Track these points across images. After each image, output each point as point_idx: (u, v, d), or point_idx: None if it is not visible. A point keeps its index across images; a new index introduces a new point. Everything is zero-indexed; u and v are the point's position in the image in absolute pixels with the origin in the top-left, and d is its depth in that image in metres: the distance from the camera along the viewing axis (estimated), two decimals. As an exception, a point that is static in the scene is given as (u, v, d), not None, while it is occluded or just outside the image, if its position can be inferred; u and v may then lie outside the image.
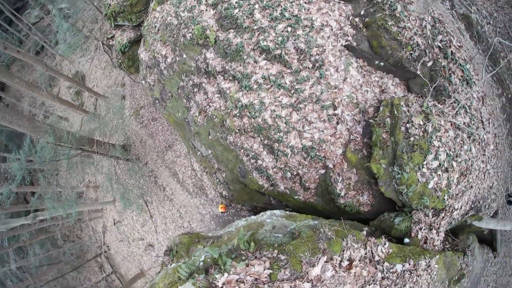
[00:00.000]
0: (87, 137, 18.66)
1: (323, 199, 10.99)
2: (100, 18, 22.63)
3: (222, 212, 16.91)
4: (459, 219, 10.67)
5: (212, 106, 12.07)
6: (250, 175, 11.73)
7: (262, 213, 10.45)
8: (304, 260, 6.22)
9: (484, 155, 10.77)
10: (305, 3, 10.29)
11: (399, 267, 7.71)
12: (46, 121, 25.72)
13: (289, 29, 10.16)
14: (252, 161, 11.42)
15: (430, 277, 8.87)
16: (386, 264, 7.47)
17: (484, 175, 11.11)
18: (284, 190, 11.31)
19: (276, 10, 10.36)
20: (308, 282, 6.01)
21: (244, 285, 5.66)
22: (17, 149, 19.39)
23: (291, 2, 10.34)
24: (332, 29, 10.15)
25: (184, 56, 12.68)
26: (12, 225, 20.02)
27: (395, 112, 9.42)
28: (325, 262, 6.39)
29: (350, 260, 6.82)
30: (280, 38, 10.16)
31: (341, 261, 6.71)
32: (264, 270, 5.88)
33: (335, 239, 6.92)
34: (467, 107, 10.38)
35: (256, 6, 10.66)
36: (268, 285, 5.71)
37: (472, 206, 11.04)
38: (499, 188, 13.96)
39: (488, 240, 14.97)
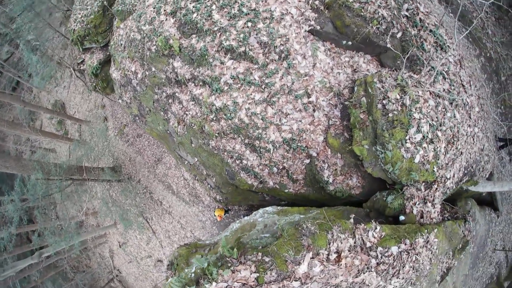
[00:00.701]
0: (75, 165, 18.49)
1: (314, 188, 10.85)
2: (68, 44, 22.37)
3: (219, 220, 16.68)
4: (454, 187, 10.46)
5: (189, 114, 11.91)
6: (238, 176, 11.58)
7: (255, 212, 10.29)
8: (289, 260, 6.08)
9: (469, 118, 10.51)
10: (261, -6, 10.08)
11: (394, 249, 7.51)
12: (33, 156, 25.52)
13: (249, 24, 9.96)
14: (237, 162, 11.28)
15: (431, 252, 8.71)
16: (379, 248, 7.29)
17: (473, 139, 10.86)
18: (274, 185, 11.16)
19: (234, 8, 10.16)
20: (296, 280, 5.87)
21: (234, 292, 5.53)
22: (10, 191, 19.27)
23: (247, -3, 10.14)
24: (293, 17, 9.94)
25: (153, 69, 12.52)
26: (20, 267, 19.95)
27: (369, 90, 9.22)
28: (311, 258, 6.23)
29: (338, 252, 6.66)
30: (241, 35, 9.97)
31: (328, 254, 6.55)
32: (250, 274, 5.75)
33: (319, 233, 6.75)
34: (444, 73, 10.16)
35: (213, 7, 10.46)
36: (257, 289, 5.58)
37: (466, 172, 10.82)
38: (491, 149, 13.82)
39: (488, 201, 14.83)
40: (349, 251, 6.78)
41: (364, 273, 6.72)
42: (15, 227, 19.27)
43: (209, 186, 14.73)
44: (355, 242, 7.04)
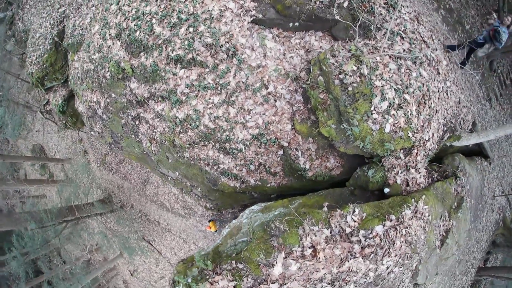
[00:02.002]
0: (65, 207, 18.33)
1: (294, 177, 10.71)
2: (31, 87, 22.15)
3: (214, 231, 16.49)
4: (436, 147, 10.24)
5: (157, 131, 11.75)
6: (220, 181, 11.43)
7: (242, 213, 10.16)
8: (262, 263, 5.92)
9: (438, 74, 10.23)
10: (197, -4, 9.85)
11: (379, 228, 7.26)
12: (25, 207, 25.29)
13: (191, 29, 9.75)
14: (215, 167, 11.12)
15: (423, 221, 8.49)
16: (362, 232, 7.05)
17: (447, 94, 10.58)
18: (255, 182, 11.01)
19: (173, 17, 9.94)
20: (274, 282, 5.73)
21: (215, 304, 5.40)
22: (10, 248, 19.15)
23: (184, 2, 9.91)
24: (232, 11, 9.73)
25: (113, 95, 12.35)
26: (38, 321, 19.88)
27: (324, 67, 8.94)
28: (284, 258, 6.05)
29: (313, 246, 6.45)
30: (186, 42, 9.77)
31: (302, 250, 6.35)
32: (228, 283, 5.64)
33: (289, 230, 6.55)
34: (402, 33, 9.82)
35: (153, 20, 10.25)
36: (237, 297, 5.45)
37: (445, 129, 10.58)
38: (469, 98, 13.65)
39: (477, 151, 14.52)
40: (326, 242, 6.55)
41: (348, 261, 6.51)
42: (24, 283, 19.16)
43: (197, 196, 14.59)
44: (331, 232, 6.80)
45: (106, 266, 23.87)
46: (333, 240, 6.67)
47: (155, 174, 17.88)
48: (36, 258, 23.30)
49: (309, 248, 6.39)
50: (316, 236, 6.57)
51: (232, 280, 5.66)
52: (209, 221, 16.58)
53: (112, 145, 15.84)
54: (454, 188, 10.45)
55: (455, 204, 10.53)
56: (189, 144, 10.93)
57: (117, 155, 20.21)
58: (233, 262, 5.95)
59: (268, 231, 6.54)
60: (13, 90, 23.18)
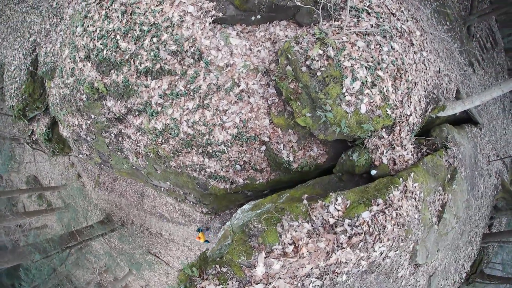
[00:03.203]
0: (66, 233, 18.31)
1: (281, 171, 10.67)
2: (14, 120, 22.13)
3: (205, 241, 16.54)
4: (420, 120, 10.02)
5: (141, 145, 11.75)
6: (210, 185, 11.41)
7: (234, 214, 10.12)
8: (243, 265, 5.87)
9: (412, 45, 10.04)
10: (156, 6, 9.76)
11: (365, 215, 7.06)
12: (28, 240, 25.28)
13: (155, 39, 9.68)
14: (202, 172, 11.09)
15: (415, 200, 8.30)
16: (347, 221, 6.88)
17: (425, 64, 10.36)
18: (244, 181, 10.99)
19: (135, 30, 9.87)
20: (258, 283, 5.67)
21: (204, 309, 5.37)
22: (20, 283, 19.20)
23: (144, 14, 9.84)
24: (192, 15, 9.64)
25: (92, 116, 12.34)
26: None
27: (289, 56, 8.83)
28: (265, 257, 5.97)
29: (295, 242, 6.35)
30: (152, 53, 9.70)
31: (283, 248, 6.26)
32: (215, 287, 5.57)
33: (267, 229, 6.42)
34: (367, 8, 9.57)
35: (118, 37, 10.18)
36: (223, 301, 5.41)
37: (428, 100, 10.38)
38: (449, 66, 13.50)
39: (465, 118, 14.27)
40: (308, 236, 6.41)
41: (335, 252, 6.39)
42: (39, 316, 19.24)
43: (191, 203, 14.58)
44: (313, 225, 6.66)
45: (117, 285, 23.85)
46: (316, 234, 6.52)
47: (149, 187, 17.88)
48: (47, 289, 23.38)
49: (290, 244, 6.27)
50: (296, 231, 6.43)
51: (219, 284, 5.62)
52: (198, 231, 16.59)
53: (102, 165, 15.83)
54: (446, 160, 10.20)
55: (449, 176, 10.30)
56: (173, 153, 10.91)
57: (109, 174, 20.18)
58: (217, 266, 5.90)
59: (246, 232, 6.45)
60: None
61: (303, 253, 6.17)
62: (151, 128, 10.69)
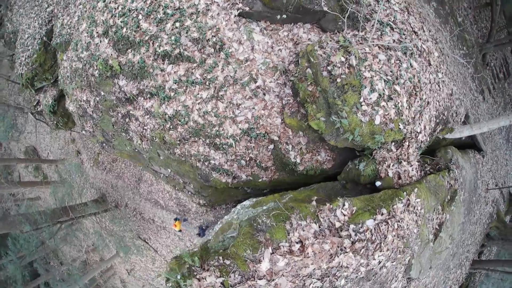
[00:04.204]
0: (59, 208, 18.20)
1: (286, 172, 10.64)
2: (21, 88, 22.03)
3: (178, 230, 16.95)
4: (428, 139, 10.14)
5: (147, 128, 11.66)
6: (212, 177, 11.36)
7: (234, 209, 10.09)
8: (248, 259, 5.83)
9: (430, 65, 10.13)
10: (183, -9, 9.73)
11: (370, 223, 7.16)
12: (20, 210, 25.15)
13: (177, 24, 9.65)
14: (206, 163, 11.05)
15: (416, 214, 8.40)
16: (352, 226, 6.95)
17: (439, 85, 10.49)
18: (247, 178, 10.94)
19: (159, 12, 9.83)
20: (261, 278, 5.64)
21: (203, 299, 5.33)
22: (7, 251, 19.07)
23: (170, -3, 9.80)
24: (219, 5, 9.62)
25: (102, 93, 12.24)
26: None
27: (312, 59, 8.86)
28: (271, 253, 5.95)
29: (301, 241, 6.35)
30: (173, 38, 9.67)
31: (290, 246, 6.25)
32: (216, 279, 5.55)
33: (276, 225, 6.42)
34: (391, 23, 9.72)
35: (140, 16, 10.14)
36: (224, 293, 5.37)
37: (438, 121, 10.50)
38: (461, 91, 13.56)
39: (470, 144, 14.46)
40: (314, 237, 6.43)
41: (338, 256, 6.40)
42: (21, 286, 19.07)
43: (190, 193, 14.52)
44: (320, 226, 6.69)
45: (103, 266, 23.77)
46: (322, 235, 6.55)
47: (148, 172, 17.82)
48: (33, 260, 23.23)
49: (297, 243, 6.27)
50: (304, 231, 6.46)
51: (220, 276, 5.58)
52: (175, 219, 17.03)
53: (104, 144, 15.73)
54: (447, 181, 10.35)
55: (448, 197, 10.44)
56: (179, 140, 10.85)
57: (110, 154, 20.10)
58: (220, 258, 5.86)
59: (254, 226, 6.44)
60: (4, 92, 23.05)
61: (308, 253, 6.17)
62: (161, 113, 10.62)
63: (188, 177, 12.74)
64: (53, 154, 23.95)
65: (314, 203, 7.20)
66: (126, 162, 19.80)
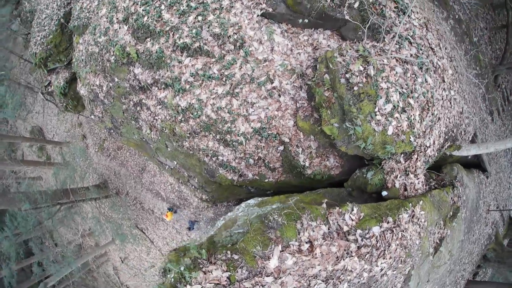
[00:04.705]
0: (60, 189, 18.21)
1: (293, 174, 10.67)
2: (33, 68, 22.08)
3: (169, 220, 17.59)
4: (436, 154, 10.26)
5: (158, 118, 11.69)
6: (218, 173, 11.40)
7: (238, 206, 10.12)
8: (258, 255, 5.86)
9: (443, 82, 10.27)
10: (208, -14, 9.79)
11: (376, 229, 7.25)
12: (20, 188, 25.17)
13: (200, 18, 9.71)
14: (214, 159, 11.08)
15: (419, 226, 8.47)
16: (359, 231, 7.03)
17: (450, 103, 10.63)
18: (253, 177, 10.98)
19: (182, 4, 9.90)
20: (269, 276, 5.67)
21: (207, 292, 5.35)
22: (3, 227, 19.08)
23: (194, -10, 9.85)
24: (243, 3, 9.69)
25: (116, 79, 12.27)
26: (28, 302, 19.84)
27: (331, 65, 8.93)
28: (280, 251, 5.99)
29: (311, 242, 6.40)
30: (194, 31, 9.72)
31: (299, 245, 6.30)
32: (222, 273, 5.56)
33: (287, 224, 6.48)
34: (410, 38, 9.84)
35: (162, 7, 10.20)
36: None
37: (446, 137, 10.62)
38: (471, 110, 13.63)
39: (475, 163, 14.60)
40: (323, 238, 6.50)
41: (344, 259, 6.47)
42: (14, 263, 19.08)
43: (193, 187, 14.57)
44: (329, 228, 6.76)
45: (97, 252, 23.76)
46: (330, 237, 6.63)
47: (153, 163, 17.87)
48: (28, 239, 23.25)
49: (306, 243, 6.34)
50: (313, 231, 6.52)
51: (226, 271, 5.60)
52: (168, 210, 17.76)
53: (112, 131, 15.77)
54: (451, 198, 10.45)
55: (451, 213, 10.55)
56: (189, 133, 10.89)
57: (116, 141, 20.14)
58: (228, 252, 5.88)
59: (266, 223, 6.48)
60: (16, 70, 23.10)
61: (316, 254, 6.23)
62: (174, 104, 10.66)
63: (193, 171, 12.77)
64: (58, 136, 23.97)
65: (324, 205, 7.30)
66: (131, 150, 19.83)
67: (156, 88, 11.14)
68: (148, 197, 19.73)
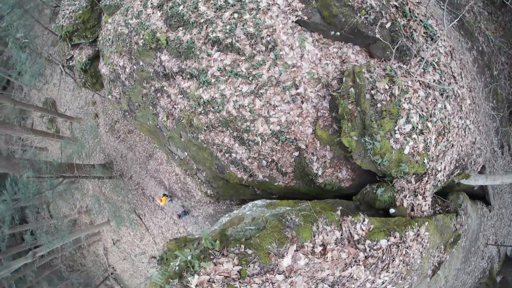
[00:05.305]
0: (66, 163, 18.33)
1: (303, 181, 10.76)
2: (57, 40, 22.23)
3: (162, 205, 18.03)
4: (445, 180, 10.42)
5: (177, 108, 11.78)
6: (228, 170, 11.47)
7: (244, 205, 10.20)
8: (272, 252, 5.95)
9: (461, 111, 10.43)
10: (248, -15, 9.93)
11: (383, 242, 7.39)
12: (25, 155, 25.30)
13: (236, 15, 9.83)
14: (227, 155, 11.17)
15: (422, 246, 8.60)
16: (368, 242, 7.17)
17: (465, 132, 10.80)
18: (263, 178, 11.06)
19: (220, -1, 10.02)
20: (280, 274, 5.75)
21: (216, 284, 5.40)
22: (2, 190, 19.15)
23: (234, -12, 9.98)
24: (279, 7, 9.82)
25: (141, 63, 12.38)
26: (14, 267, 19.94)
27: (357, 80, 9.09)
28: (295, 251, 6.09)
29: (324, 245, 6.52)
30: (228, 27, 9.84)
31: (313, 247, 6.40)
32: (233, 267, 5.62)
33: (303, 225, 6.60)
34: (435, 64, 10.04)
35: (200, -2, 10.32)
36: (239, 282, 5.46)
37: (457, 164, 10.79)
38: (483, 142, 13.75)
39: (480, 195, 14.77)
40: (335, 244, 6.64)
41: (351, 266, 6.59)
42: (7, 227, 19.13)
43: (200, 180, 14.62)
44: (341, 235, 6.90)
45: (91, 230, 23.87)
46: (342, 244, 6.77)
47: (162, 151, 17.95)
48: (26, 206, 23.34)
49: (320, 246, 6.47)
50: (327, 235, 6.65)
51: (238, 265, 5.66)
52: (164, 195, 18.14)
53: (126, 113, 15.86)
54: (454, 224, 10.63)
55: (452, 239, 10.72)
56: (206, 126, 10.98)
57: (128, 124, 20.24)
58: (242, 246, 5.95)
59: (283, 222, 6.60)
60: (38, 40, 23.23)
61: (327, 257, 6.33)
62: (196, 96, 10.76)
63: (203, 165, 12.84)
64: (70, 112, 24.10)
65: (338, 212, 7.46)
66: (142, 136, 19.95)
67: (181, 77, 11.24)
68: (150, 184, 19.82)
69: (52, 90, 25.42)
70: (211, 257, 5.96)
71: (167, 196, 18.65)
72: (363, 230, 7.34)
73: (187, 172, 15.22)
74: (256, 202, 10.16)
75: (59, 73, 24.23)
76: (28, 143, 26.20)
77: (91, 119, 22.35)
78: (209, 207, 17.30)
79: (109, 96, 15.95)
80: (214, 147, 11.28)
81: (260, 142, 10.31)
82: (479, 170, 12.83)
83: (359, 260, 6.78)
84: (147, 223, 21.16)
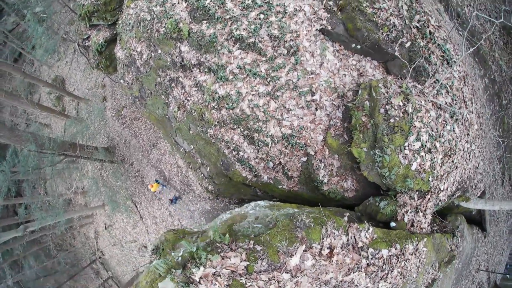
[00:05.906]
0: (69, 142, 18.32)
1: (307, 187, 10.84)
2: (75, 19, 22.27)
3: (153, 191, 18.31)
4: (446, 200, 10.60)
5: (190, 100, 11.83)
6: (233, 168, 11.54)
7: (246, 204, 10.26)
8: (281, 250, 6.03)
9: (468, 135, 10.63)
10: (277, -11, 10.05)
11: (385, 252, 7.57)
12: (28, 129, 25.28)
13: (262, 16, 9.94)
14: (234, 153, 11.24)
15: (419, 261, 8.78)
16: (370, 250, 7.33)
17: (469, 156, 11.01)
18: (268, 180, 11.14)
19: (248, -2, 10.12)
20: (287, 272, 5.83)
21: (221, 278, 5.45)
22: (1, 161, 19.09)
23: (263, -11, 10.09)
24: (305, 14, 9.94)
25: (159, 51, 12.43)
26: (3, 239, 19.88)
27: (374, 94, 9.26)
28: (303, 251, 6.19)
29: (331, 248, 6.65)
30: (253, 26, 9.94)
31: (321, 249, 6.53)
32: (240, 262, 5.68)
33: (313, 226, 6.73)
34: (448, 87, 10.23)
35: (227, -6, 10.42)
36: (246, 278, 5.52)
37: (459, 187, 10.97)
38: (485, 168, 13.91)
39: (477, 220, 15.02)
40: (341, 248, 6.77)
41: (354, 272, 6.71)
42: (2, 198, 19.07)
43: (202, 175, 14.66)
44: (347, 240, 7.04)
45: (85, 212, 23.86)
46: (347, 249, 6.91)
47: (167, 141, 17.97)
48: (23, 180, 23.29)
49: (327, 248, 6.59)
50: (335, 239, 6.79)
51: (245, 260, 5.72)
52: (156, 181, 18.38)
53: (137, 99, 15.89)
54: (450, 245, 10.88)
55: (447, 259, 10.95)
56: (217, 122, 11.04)
57: (136, 111, 20.26)
58: (251, 242, 6.02)
59: (294, 222, 6.69)
60: (56, 17, 23.27)
61: (333, 260, 6.44)
62: (211, 90, 10.82)
63: (208, 160, 12.89)
64: (79, 92, 24.11)
65: (346, 218, 7.64)
66: (148, 124, 19.96)
67: (198, 70, 11.30)
68: (151, 174, 19.84)
69: (63, 69, 25.44)
70: (219, 250, 6.00)
71: (158, 182, 18.75)
72: (367, 238, 7.51)
73: (190, 166, 15.26)
74: (258, 202, 10.24)
75: (72, 52, 24.27)
76: (32, 118, 26.18)
77: (99, 101, 22.36)
78: (206, 203, 17.32)
79: (121, 81, 15.98)
80: (223, 143, 11.34)
81: (270, 143, 10.40)
82: (479, 195, 13.02)
83: (361, 267, 6.93)
84: (142, 212, 21.16)
